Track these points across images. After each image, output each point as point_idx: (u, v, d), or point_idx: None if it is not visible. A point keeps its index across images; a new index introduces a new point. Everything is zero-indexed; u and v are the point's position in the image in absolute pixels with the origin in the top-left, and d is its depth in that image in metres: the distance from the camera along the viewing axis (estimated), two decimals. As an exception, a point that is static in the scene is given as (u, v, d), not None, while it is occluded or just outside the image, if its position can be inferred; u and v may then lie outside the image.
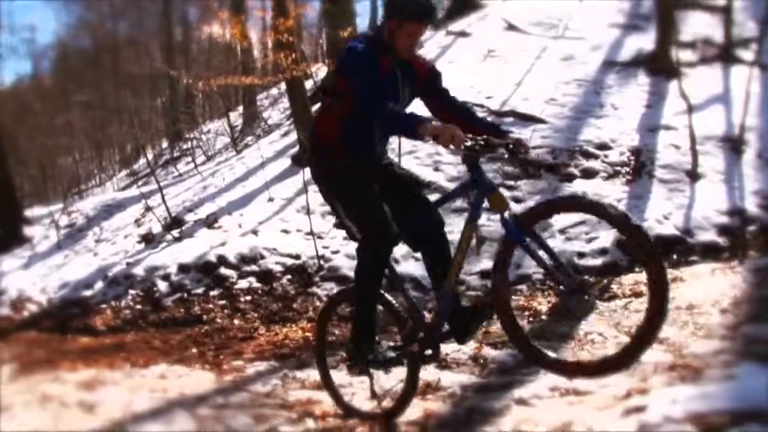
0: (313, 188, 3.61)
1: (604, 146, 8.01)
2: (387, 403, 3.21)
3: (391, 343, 3.25)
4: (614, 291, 5.14)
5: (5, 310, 8.26)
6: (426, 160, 8.58)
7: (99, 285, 8.05)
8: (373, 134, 3.19)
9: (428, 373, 3.58)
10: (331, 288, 6.53)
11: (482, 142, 2.87)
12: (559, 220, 6.66)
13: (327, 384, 3.43)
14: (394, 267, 3.37)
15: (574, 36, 11.29)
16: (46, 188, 19.25)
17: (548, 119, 8.61)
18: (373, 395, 3.26)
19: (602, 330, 3.83)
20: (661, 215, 6.70)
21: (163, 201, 9.66)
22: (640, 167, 7.63)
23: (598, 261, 6.31)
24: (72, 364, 5.03)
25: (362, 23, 16.86)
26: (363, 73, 3.08)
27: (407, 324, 3.23)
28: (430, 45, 14.25)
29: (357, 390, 3.39)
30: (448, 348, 3.91)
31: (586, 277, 2.92)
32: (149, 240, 9.11)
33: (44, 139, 17.55)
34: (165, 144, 21.16)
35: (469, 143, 2.81)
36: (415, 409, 3.08)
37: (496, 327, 4.48)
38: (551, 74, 9.81)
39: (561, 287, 2.72)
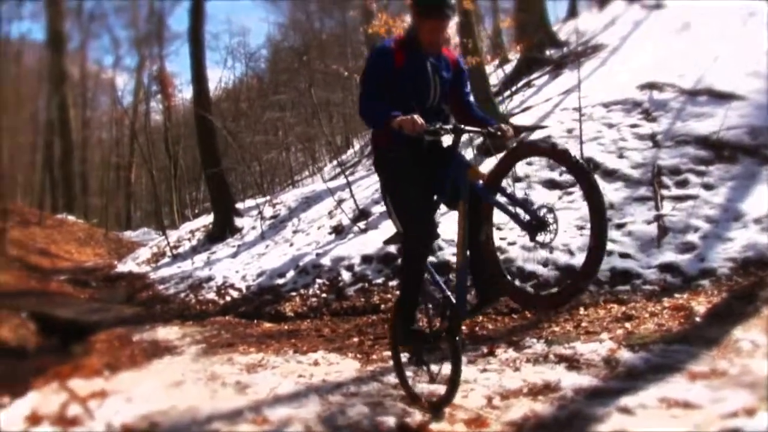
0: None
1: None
2: (441, 387, 3.34)
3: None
4: None
5: (212, 295, 9.21)
6: (610, 147, 8.17)
7: (291, 274, 8.68)
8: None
9: (555, 372, 3.53)
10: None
11: (447, 127, 3.30)
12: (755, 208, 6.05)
13: (398, 370, 3.61)
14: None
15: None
16: (262, 182, 20.92)
17: (748, 95, 7.78)
18: (431, 380, 3.45)
19: (754, 337, 3.43)
20: None
21: (351, 194, 10.16)
22: None
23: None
24: (247, 348, 5.48)
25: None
26: (367, 74, 3.54)
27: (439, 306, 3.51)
28: (623, 20, 13.52)
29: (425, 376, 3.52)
30: (583, 348, 3.84)
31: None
32: (339, 231, 9.63)
33: (257, 136, 19.06)
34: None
35: (431, 129, 3.24)
36: (520, 409, 3.01)
37: (643, 327, 4.31)
38: (756, 45, 8.82)
39: (526, 225, 3.00)
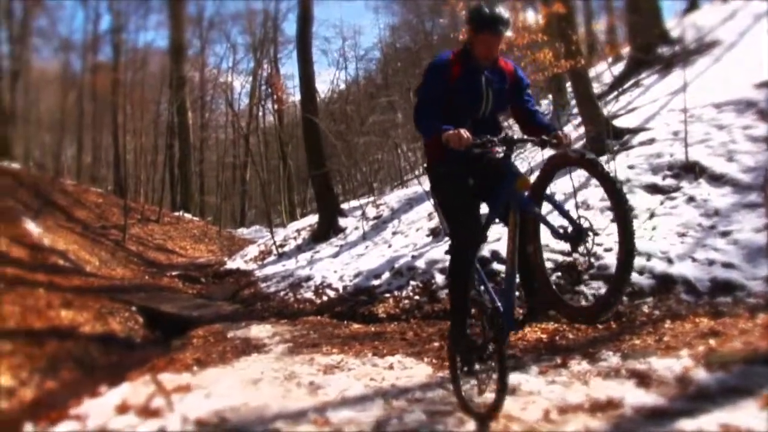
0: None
1: None
2: (489, 398, 3.30)
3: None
4: None
5: (309, 294, 9.46)
6: (719, 150, 7.77)
7: (386, 275, 8.78)
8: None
9: (622, 388, 3.40)
10: (599, 287, 6.29)
11: (494, 139, 3.31)
12: None
13: (453, 378, 3.62)
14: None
15: None
16: (370, 182, 21.22)
17: None
18: (481, 391, 3.41)
19: None
20: None
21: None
22: None
23: None
24: (330, 349, 5.60)
25: None
26: (424, 85, 3.67)
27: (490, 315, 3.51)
28: (743, 14, 12.73)
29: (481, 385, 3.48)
30: (658, 363, 3.68)
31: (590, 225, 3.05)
32: (436, 234, 9.65)
33: (363, 138, 19.39)
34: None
35: (478, 142, 3.28)
36: (575, 425, 2.93)
37: (728, 345, 4.06)
38: None
39: (565, 236, 3.03)
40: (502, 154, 3.48)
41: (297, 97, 25.43)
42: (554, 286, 3.31)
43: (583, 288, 6.50)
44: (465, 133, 3.26)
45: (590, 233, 3.00)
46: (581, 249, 3.00)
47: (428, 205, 11.40)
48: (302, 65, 15.63)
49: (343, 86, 33.49)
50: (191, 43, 31.00)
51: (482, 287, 3.66)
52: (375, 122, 20.92)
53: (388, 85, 28.97)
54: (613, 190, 2.84)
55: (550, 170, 3.28)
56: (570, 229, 3.06)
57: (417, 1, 30.30)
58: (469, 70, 3.62)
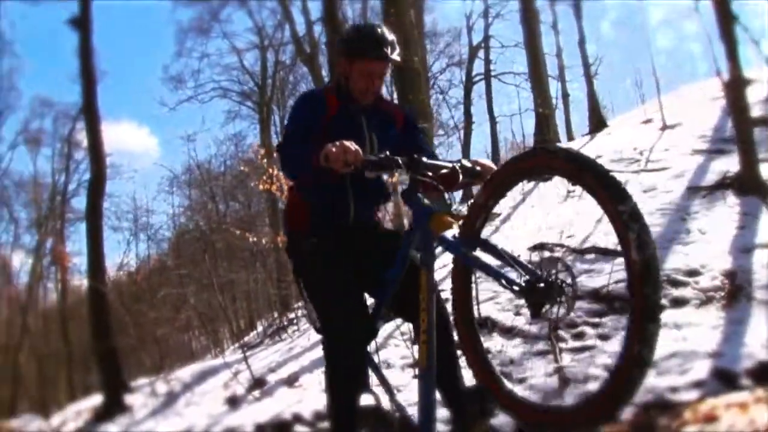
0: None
1: (693, 272, 7.42)
2: None
3: None
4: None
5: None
6: (507, 305, 8.25)
7: (177, 450, 8.06)
8: (344, 197, 2.80)
9: None
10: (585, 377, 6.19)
11: (399, 159, 2.52)
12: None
13: None
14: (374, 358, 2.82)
15: (656, 167, 10.95)
16: (160, 361, 19.99)
17: (630, 250, 8.15)
18: None
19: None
20: (765, 340, 5.99)
21: (247, 365, 9.74)
22: (736, 291, 6.96)
23: (693, 394, 5.63)
24: None
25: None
26: (290, 120, 2.83)
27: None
28: (512, 192, 14.27)
29: None
30: None
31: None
32: (233, 402, 9.16)
33: (152, 313, 18.52)
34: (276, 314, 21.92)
35: (372, 159, 2.49)
36: None
37: None
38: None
39: (515, 287, 2.21)
40: (405, 186, 2.62)
41: (84, 268, 23.99)
42: (499, 374, 2.46)
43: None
44: (352, 145, 2.42)
45: (566, 286, 2.14)
46: (551, 312, 2.15)
47: (225, 375, 10.87)
48: (91, 233, 14.91)
49: (134, 265, 32.18)
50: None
51: (381, 387, 2.75)
52: (166, 295, 20.07)
53: (182, 263, 28.35)
54: (621, 213, 1.97)
55: (500, 188, 2.39)
56: (526, 279, 2.16)
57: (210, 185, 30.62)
58: (346, 109, 2.81)
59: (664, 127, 13.62)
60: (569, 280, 2.14)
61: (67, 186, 29.80)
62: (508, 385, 2.46)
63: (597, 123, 18.43)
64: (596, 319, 7.14)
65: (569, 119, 24.33)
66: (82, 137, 19.45)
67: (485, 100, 28.13)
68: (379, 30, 2.77)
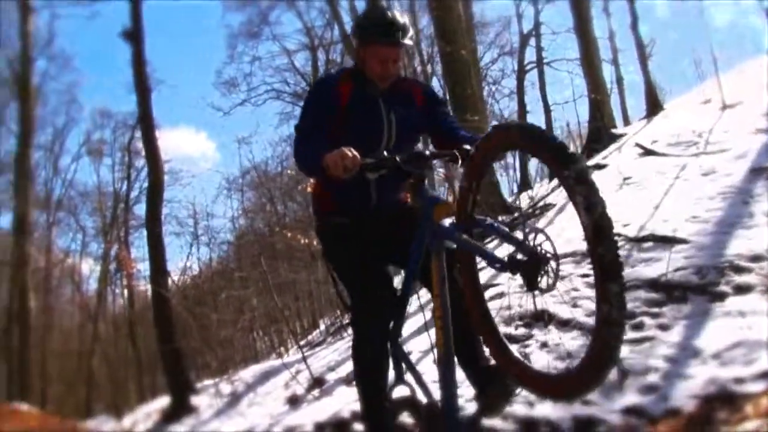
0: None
1: (758, 258, 7.12)
2: None
3: None
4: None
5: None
6: (564, 297, 8.11)
7: (244, 450, 8.24)
8: (365, 188, 2.83)
9: None
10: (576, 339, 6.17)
11: (398, 157, 2.55)
12: (712, 343, 5.86)
13: None
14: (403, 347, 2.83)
15: (716, 149, 10.58)
16: (226, 362, 20.41)
17: (690, 238, 7.89)
18: None
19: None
20: (838, 328, 5.73)
21: (306, 364, 9.86)
22: (804, 276, 6.67)
23: (759, 386, 5.42)
24: None
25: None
26: (303, 111, 2.87)
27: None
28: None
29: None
30: None
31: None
32: (294, 401, 9.28)
33: (214, 315, 18.91)
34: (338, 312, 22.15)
35: (369, 163, 2.51)
36: None
37: None
38: (692, 192, 9.15)
39: (497, 264, 2.28)
40: (413, 181, 2.66)
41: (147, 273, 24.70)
42: (509, 346, 2.48)
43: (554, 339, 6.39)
44: (350, 151, 2.47)
45: (549, 256, 2.19)
46: (542, 282, 2.21)
47: (286, 375, 11.04)
48: (151, 240, 15.29)
49: (196, 269, 32.95)
50: (38, 223, 29.63)
51: (410, 374, 2.79)
52: (229, 297, 20.46)
53: (242, 265, 28.84)
54: (572, 181, 2.00)
55: (477, 170, 2.47)
56: (518, 255, 2.24)
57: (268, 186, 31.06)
58: (362, 94, 2.84)
59: (724, 107, 13.16)
60: (551, 249, 2.18)
61: (130, 193, 30.77)
62: (526, 363, 2.55)
63: (653, 106, 17.97)
64: (655, 309, 6.93)
65: (625, 103, 23.81)
66: (141, 145, 19.88)
67: (538, 88, 27.69)
68: (389, 14, 2.75)
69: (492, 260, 2.35)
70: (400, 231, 2.82)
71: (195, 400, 13.56)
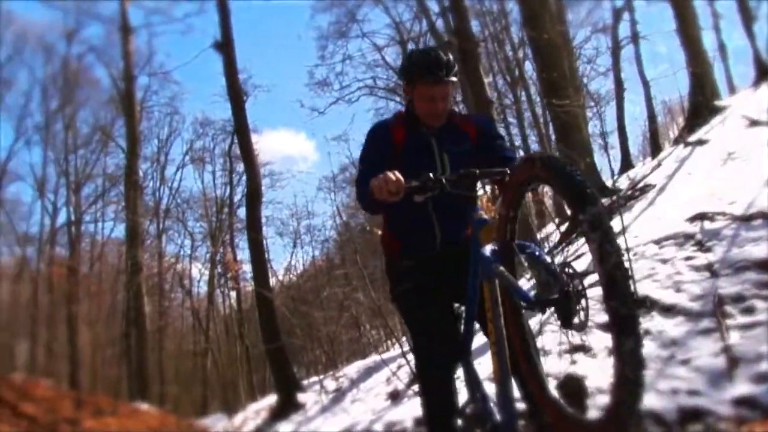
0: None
1: None
2: None
3: None
4: None
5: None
6: (666, 282, 7.73)
7: (343, 444, 8.37)
8: (429, 223, 2.85)
9: None
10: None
11: (443, 178, 2.55)
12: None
13: None
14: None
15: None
16: (332, 357, 20.80)
17: (806, 214, 7.39)
18: None
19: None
20: None
21: (406, 360, 9.91)
22: None
23: None
24: None
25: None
26: (362, 153, 2.95)
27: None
28: (668, 160, 13.42)
29: None
30: None
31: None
32: (394, 396, 9.34)
33: (321, 312, 19.25)
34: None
35: (413, 185, 2.50)
36: None
37: None
38: (803, 165, 8.55)
39: (525, 302, 2.24)
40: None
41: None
42: (548, 385, 2.41)
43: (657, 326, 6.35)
44: (394, 174, 2.48)
45: (583, 291, 2.11)
46: (575, 320, 2.11)
47: (387, 371, 11.14)
48: (252, 244, 15.74)
49: (300, 267, 33.69)
50: (148, 231, 31.18)
51: (478, 394, 2.81)
52: (332, 293, 20.80)
53: (345, 262, 29.26)
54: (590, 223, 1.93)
55: (513, 198, 2.45)
56: (548, 293, 2.18)
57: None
58: (415, 135, 2.89)
59: (842, 71, 12.23)
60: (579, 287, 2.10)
61: (233, 198, 31.82)
62: (562, 403, 2.39)
63: (762, 73, 16.84)
64: (766, 292, 6.54)
65: (729, 72, 22.46)
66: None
67: (634, 64, 26.53)
68: (432, 53, 2.80)
69: (522, 297, 2.30)
70: (464, 271, 2.77)
71: (301, 397, 13.87)
